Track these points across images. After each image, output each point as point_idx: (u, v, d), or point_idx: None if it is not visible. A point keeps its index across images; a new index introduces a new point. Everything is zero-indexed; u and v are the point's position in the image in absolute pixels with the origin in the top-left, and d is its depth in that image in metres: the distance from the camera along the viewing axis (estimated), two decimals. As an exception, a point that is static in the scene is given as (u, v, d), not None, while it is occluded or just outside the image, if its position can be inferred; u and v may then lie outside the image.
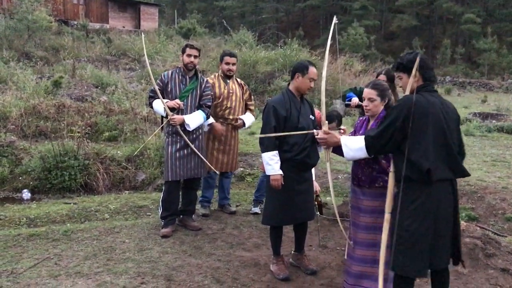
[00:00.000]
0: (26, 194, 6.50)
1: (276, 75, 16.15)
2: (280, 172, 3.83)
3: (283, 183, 3.84)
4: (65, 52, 20.21)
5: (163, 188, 4.99)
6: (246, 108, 5.44)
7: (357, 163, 3.54)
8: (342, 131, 3.84)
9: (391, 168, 3.07)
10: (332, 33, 3.58)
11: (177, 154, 4.81)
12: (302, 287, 3.88)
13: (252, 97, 5.54)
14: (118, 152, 7.55)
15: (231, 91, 5.29)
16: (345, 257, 3.84)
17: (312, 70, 3.96)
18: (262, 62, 16.40)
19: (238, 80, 5.50)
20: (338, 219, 3.68)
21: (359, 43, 28.84)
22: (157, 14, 33.83)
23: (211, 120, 5.16)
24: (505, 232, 5.26)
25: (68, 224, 5.23)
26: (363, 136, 3.15)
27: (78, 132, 7.19)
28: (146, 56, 4.88)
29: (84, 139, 7.40)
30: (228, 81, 5.33)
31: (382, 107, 3.46)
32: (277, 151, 3.84)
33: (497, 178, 6.79)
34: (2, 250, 4.41)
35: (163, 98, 4.80)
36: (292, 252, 4.35)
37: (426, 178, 2.86)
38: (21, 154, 7.27)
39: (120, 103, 10.73)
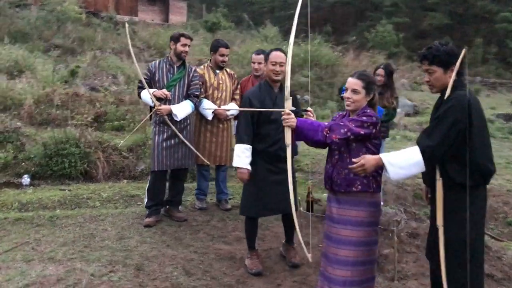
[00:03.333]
0: (25, 180, 6.58)
1: (296, 70, 15.94)
2: (248, 167, 3.79)
3: (248, 177, 3.82)
4: (91, 43, 20.51)
5: (149, 177, 4.95)
6: (232, 99, 5.33)
7: (330, 162, 3.15)
8: (309, 113, 3.38)
9: (438, 176, 2.71)
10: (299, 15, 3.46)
11: (164, 144, 4.76)
12: (274, 283, 3.78)
13: (239, 86, 5.41)
14: (121, 141, 7.56)
15: (220, 82, 5.21)
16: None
17: (273, 54, 3.84)
18: (282, 57, 16.20)
19: (228, 70, 5.41)
20: (296, 223, 3.18)
21: (387, 40, 28.23)
22: (186, 8, 33.90)
23: (212, 105, 5.07)
24: (504, 237, 5.01)
25: (58, 211, 5.26)
26: (417, 148, 2.67)
27: (82, 121, 7.23)
28: (131, 48, 4.85)
29: (87, 127, 7.44)
30: (218, 72, 5.24)
31: (365, 103, 3.06)
32: (250, 146, 3.77)
33: (505, 181, 6.50)
34: (-15, 232, 4.46)
35: (151, 88, 4.77)
36: (283, 242, 4.32)
37: (485, 182, 2.68)
38: (26, 140, 7.36)
39: (134, 94, 10.77)
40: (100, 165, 6.94)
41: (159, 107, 4.64)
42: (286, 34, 31.79)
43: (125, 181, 6.89)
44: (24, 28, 21.52)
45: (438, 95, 2.90)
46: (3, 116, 7.83)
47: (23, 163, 6.94)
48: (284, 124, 2.95)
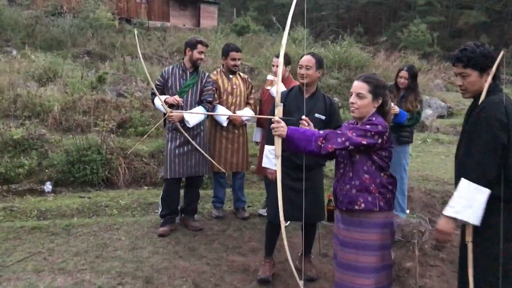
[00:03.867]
0: (47, 187, 6.62)
1: (325, 72, 15.67)
2: (271, 166, 3.80)
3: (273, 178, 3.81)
4: (122, 49, 20.81)
5: (163, 186, 4.85)
6: (247, 103, 5.18)
7: (336, 176, 2.90)
8: (304, 122, 3.09)
9: None
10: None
11: (177, 151, 4.65)
12: (286, 298, 3.60)
13: (253, 91, 5.27)
14: (142, 147, 7.53)
15: (234, 87, 5.07)
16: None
17: (303, 58, 3.78)
18: (311, 59, 15.96)
19: (241, 74, 5.26)
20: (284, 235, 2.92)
21: (420, 40, 27.53)
22: (216, 12, 34.09)
23: (226, 111, 4.95)
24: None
25: (75, 219, 5.22)
26: (465, 182, 2.38)
27: (104, 127, 7.24)
28: (140, 53, 4.74)
29: (110, 133, 7.44)
30: (231, 76, 5.11)
31: (373, 109, 2.75)
32: None
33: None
34: (1, 242, 4.45)
35: (164, 94, 4.69)
36: (299, 254, 4.15)
37: None
38: (50, 147, 7.42)
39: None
40: (121, 172, 6.90)
41: (171, 114, 4.54)
42: (317, 35, 31.52)
43: (146, 187, 6.84)
44: (59, 36, 22.04)
45: None
46: (27, 123, 7.91)
47: (46, 170, 6.98)
48: (273, 133, 2.67)
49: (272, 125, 2.64)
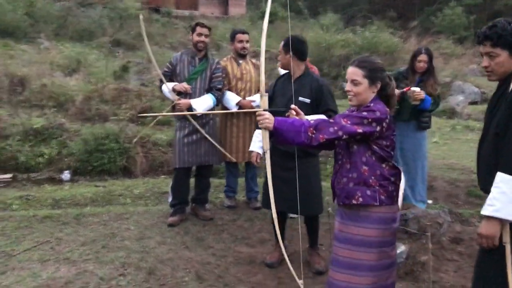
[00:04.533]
0: (65, 175, 6.67)
1: (352, 58, 15.29)
2: (256, 149, 3.83)
3: (256, 161, 3.89)
4: (150, 39, 20.89)
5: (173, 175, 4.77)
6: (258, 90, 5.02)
7: (334, 169, 2.69)
8: (292, 112, 2.85)
9: None
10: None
11: (185, 140, 4.55)
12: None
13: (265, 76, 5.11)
14: (163, 136, 7.50)
15: (244, 72, 4.91)
16: None
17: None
18: (338, 45, 15.60)
19: (253, 60, 5.10)
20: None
21: (456, 24, 26.52)
22: (245, 0, 33.81)
23: (237, 98, 4.82)
24: None
25: (88, 208, 5.21)
26: (502, 175, 2.12)
27: (122, 116, 7.23)
28: (146, 40, 4.63)
29: (129, 122, 7.42)
30: (240, 61, 4.95)
31: (372, 95, 2.52)
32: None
33: None
34: (13, 230, 4.46)
35: (172, 81, 4.58)
36: (307, 246, 4.02)
37: None
38: (70, 136, 7.46)
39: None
40: (139, 161, 6.88)
41: (178, 102, 4.43)
42: (348, 21, 30.82)
43: (163, 176, 6.79)
44: (89, 26, 22.30)
45: None
46: (48, 113, 7.98)
47: (65, 159, 7.04)
48: (259, 126, 2.49)
49: (257, 118, 2.46)
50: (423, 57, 4.76)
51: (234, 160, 4.86)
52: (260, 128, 3.53)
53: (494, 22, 2.27)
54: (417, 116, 4.84)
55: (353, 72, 2.52)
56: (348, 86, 2.54)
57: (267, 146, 2.57)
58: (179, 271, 3.67)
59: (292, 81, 3.59)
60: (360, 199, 2.46)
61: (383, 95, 2.56)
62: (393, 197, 2.49)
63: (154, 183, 6.05)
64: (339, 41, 15.83)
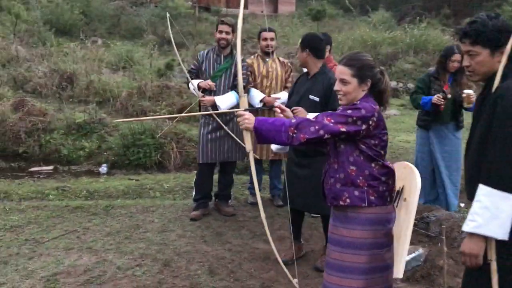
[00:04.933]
0: (103, 169, 6.92)
1: (400, 56, 14.93)
2: (279, 151, 3.77)
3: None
4: (199, 37, 21.28)
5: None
6: (284, 87, 5.01)
7: (324, 169, 2.58)
8: (277, 109, 2.81)
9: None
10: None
11: (209, 136, 4.63)
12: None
13: (292, 75, 5.09)
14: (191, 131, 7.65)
15: (270, 70, 4.92)
16: None
17: None
18: (385, 42, 15.27)
19: (280, 58, 5.10)
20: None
21: (515, 20, 25.32)
22: (295, -2, 33.74)
23: (261, 95, 4.85)
24: None
25: (118, 200, 5.40)
26: (483, 187, 1.98)
27: (157, 112, 7.43)
28: (172, 37, 4.72)
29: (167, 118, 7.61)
30: (267, 59, 4.96)
31: (362, 93, 2.42)
32: None
33: None
34: (45, 219, 4.71)
35: (199, 78, 4.68)
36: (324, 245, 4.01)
37: None
38: (110, 131, 7.75)
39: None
40: (173, 156, 7.04)
41: (202, 98, 4.51)
42: (401, 19, 30.07)
43: (195, 171, 6.90)
44: (141, 25, 22.96)
45: None
46: (90, 108, 8.30)
47: (105, 153, 7.31)
48: (240, 127, 2.44)
49: (237, 119, 2.44)
50: (457, 56, 4.56)
51: (257, 157, 4.88)
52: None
53: (475, 18, 2.12)
54: (457, 116, 4.71)
55: (341, 71, 2.43)
56: (336, 85, 2.46)
57: (250, 146, 2.54)
58: (194, 264, 3.75)
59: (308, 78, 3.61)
60: (348, 200, 2.38)
61: (375, 92, 2.47)
62: (384, 198, 2.40)
63: (184, 177, 6.18)
64: (386, 39, 15.49)
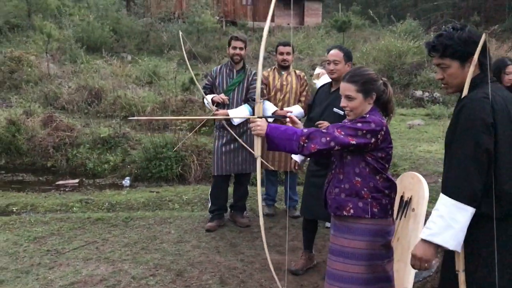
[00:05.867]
0: (126, 181, 7.11)
1: (425, 65, 14.77)
2: (294, 157, 3.85)
3: (296, 168, 3.95)
4: (224, 51, 21.57)
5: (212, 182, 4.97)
6: (298, 100, 5.06)
7: (327, 178, 2.64)
8: (287, 119, 2.85)
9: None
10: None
11: (223, 149, 4.73)
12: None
13: (307, 88, 5.12)
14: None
15: (284, 83, 4.99)
16: None
17: (330, 52, 3.73)
18: (410, 52, 15.14)
19: (297, 71, 5.15)
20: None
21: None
22: (321, 9, 33.82)
23: (273, 108, 4.93)
24: None
25: (138, 212, 5.55)
26: (443, 197, 2.01)
27: (178, 125, 7.60)
28: (184, 52, 4.88)
29: (188, 132, 7.77)
30: (283, 72, 5.04)
31: (369, 106, 2.49)
32: None
33: None
34: (67, 230, 4.88)
35: (213, 93, 4.80)
36: None
37: None
38: (133, 144, 7.96)
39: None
40: (193, 168, 7.17)
41: (216, 112, 4.63)
42: (429, 27, 29.74)
43: (215, 184, 7.02)
44: (169, 40, 23.45)
45: None
46: (114, 123, 8.55)
47: (128, 166, 7.51)
48: (252, 133, 2.48)
49: (250, 124, 2.50)
50: (511, 68, 4.47)
51: (271, 168, 4.95)
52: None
53: (441, 31, 2.15)
54: None
55: (345, 87, 2.50)
56: (343, 102, 2.52)
57: (259, 152, 2.60)
58: (206, 274, 3.83)
59: (332, 90, 3.74)
60: (351, 211, 2.43)
61: (380, 103, 2.54)
62: (386, 210, 2.44)
63: (203, 189, 6.30)
64: (412, 48, 15.35)
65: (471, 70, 2.03)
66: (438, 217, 2.00)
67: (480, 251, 2.00)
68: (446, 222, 1.97)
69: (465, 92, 2.05)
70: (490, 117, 1.95)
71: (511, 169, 1.99)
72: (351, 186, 2.45)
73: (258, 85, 2.61)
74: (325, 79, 4.56)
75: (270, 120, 4.80)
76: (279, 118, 4.59)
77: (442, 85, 2.22)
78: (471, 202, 1.95)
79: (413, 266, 2.12)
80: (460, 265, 2.03)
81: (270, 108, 4.88)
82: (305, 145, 2.36)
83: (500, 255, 1.96)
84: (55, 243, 4.53)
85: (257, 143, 2.57)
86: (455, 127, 2.04)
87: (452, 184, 1.99)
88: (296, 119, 2.67)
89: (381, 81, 2.53)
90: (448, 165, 2.06)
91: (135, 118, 4.26)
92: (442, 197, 2.01)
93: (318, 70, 4.84)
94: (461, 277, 2.03)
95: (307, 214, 3.83)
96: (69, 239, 4.65)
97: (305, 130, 2.41)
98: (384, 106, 2.56)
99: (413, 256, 2.09)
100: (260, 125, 2.43)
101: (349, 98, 2.48)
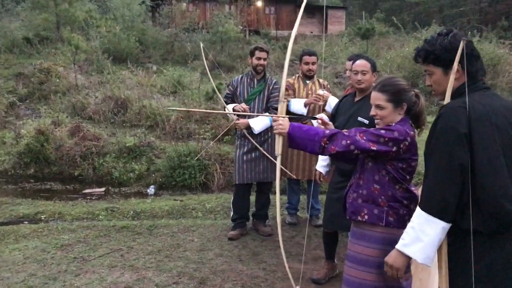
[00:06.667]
0: (151, 190, 7.22)
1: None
2: (319, 169, 3.98)
3: (321, 180, 4.06)
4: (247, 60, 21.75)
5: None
6: (323, 110, 5.05)
7: (349, 182, 2.67)
8: (319, 121, 2.97)
9: None
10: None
11: (244, 157, 4.77)
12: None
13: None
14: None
15: (309, 92, 5.00)
16: None
17: (356, 62, 3.70)
18: (435, 59, 14.97)
19: (320, 80, 5.15)
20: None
21: None
22: (344, 17, 33.76)
23: (301, 100, 4.90)
24: None
25: (162, 220, 5.62)
26: (418, 210, 2.00)
27: (201, 135, 7.69)
28: (205, 63, 4.95)
29: (209, 140, 7.85)
30: (307, 82, 5.04)
31: (399, 116, 2.49)
32: None
33: None
34: (93, 238, 4.98)
35: (234, 102, 4.85)
36: None
37: (505, 229, 1.88)
38: (158, 153, 8.08)
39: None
40: (216, 176, 7.23)
41: (237, 121, 4.68)
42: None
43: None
44: (193, 50, 23.73)
45: None
46: (140, 132, 8.69)
47: (153, 175, 7.63)
48: (274, 131, 2.51)
49: (273, 123, 2.52)
50: None
51: (293, 176, 4.96)
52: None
53: (428, 38, 2.13)
54: None
55: (376, 97, 2.52)
56: (372, 111, 2.54)
57: (279, 150, 2.61)
58: (228, 283, 3.86)
59: (356, 99, 3.74)
60: (366, 217, 2.45)
61: (411, 115, 2.54)
62: (404, 221, 2.41)
63: (226, 198, 6.35)
64: (436, 55, 15.16)
65: (452, 78, 1.99)
66: (410, 228, 2.03)
67: (470, 267, 1.90)
68: (416, 234, 1.98)
69: (446, 100, 2.02)
70: (464, 127, 1.88)
71: (493, 179, 1.86)
72: (368, 193, 2.47)
73: (283, 83, 2.64)
74: (333, 101, 4.53)
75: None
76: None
77: (432, 91, 2.20)
78: (441, 216, 1.91)
79: (386, 272, 2.18)
80: (443, 282, 1.97)
81: (298, 100, 4.83)
82: (326, 146, 2.38)
83: (492, 272, 1.89)
84: (81, 251, 4.63)
85: (279, 141, 2.59)
86: (431, 137, 2.01)
87: (424, 196, 1.97)
88: (327, 120, 2.68)
89: (413, 92, 2.53)
90: (424, 176, 2.04)
91: (175, 108, 4.43)
92: (417, 209, 2.01)
93: (321, 91, 4.79)
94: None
95: (329, 226, 3.80)
96: (94, 246, 4.74)
97: (327, 131, 2.43)
98: (415, 118, 2.56)
99: (386, 263, 2.16)
100: (283, 124, 2.45)
101: (379, 107, 2.50)
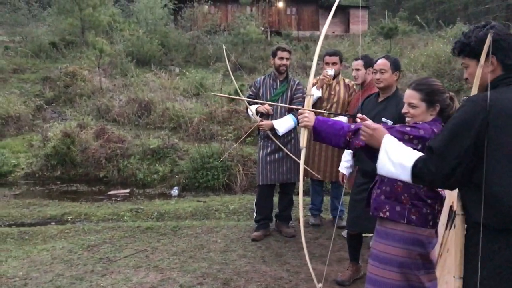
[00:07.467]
0: (174, 191, 7.27)
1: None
2: (341, 169, 4.13)
3: (344, 181, 4.16)
4: (267, 60, 21.72)
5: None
6: (346, 111, 5.00)
7: (375, 180, 2.67)
8: (357, 120, 2.91)
9: (458, 210, 1.97)
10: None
11: (268, 158, 4.77)
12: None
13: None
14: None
15: (332, 93, 4.96)
16: None
17: (378, 61, 3.65)
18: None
19: (346, 80, 5.10)
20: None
21: None
22: (367, 17, 33.47)
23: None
24: None
25: (186, 221, 5.67)
26: (418, 155, 2.02)
27: (224, 136, 7.72)
28: (228, 65, 4.98)
29: (234, 142, 7.88)
30: (331, 82, 5.00)
31: (430, 117, 2.46)
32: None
33: None
34: (118, 239, 5.05)
35: (257, 103, 4.86)
36: None
37: None
38: (181, 155, 8.15)
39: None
40: (239, 178, 7.26)
41: (261, 123, 4.68)
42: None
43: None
44: (215, 52, 23.84)
45: None
46: (163, 134, 8.78)
47: (176, 176, 7.69)
48: (300, 124, 2.50)
49: (299, 116, 2.52)
50: None
51: (317, 176, 4.93)
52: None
53: (467, 29, 2.10)
54: None
55: (410, 95, 2.49)
56: (404, 108, 2.51)
57: (304, 143, 2.59)
58: (252, 283, 3.87)
59: (380, 100, 3.67)
60: (387, 213, 2.45)
61: (444, 116, 2.49)
62: (427, 220, 2.39)
63: (249, 199, 6.36)
64: (462, 53, 14.91)
65: (479, 71, 1.93)
66: (395, 160, 2.09)
67: (484, 263, 1.85)
68: (395, 160, 2.08)
69: (473, 92, 1.98)
70: (478, 120, 1.84)
71: (506, 175, 1.82)
72: (391, 189, 2.47)
73: (311, 77, 2.64)
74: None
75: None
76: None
77: (469, 85, 2.13)
78: (417, 181, 2.01)
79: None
80: (459, 270, 1.95)
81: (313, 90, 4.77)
82: (350, 140, 2.37)
83: (505, 269, 1.83)
84: (107, 251, 4.69)
85: (303, 134, 2.56)
86: (452, 118, 1.99)
87: (423, 158, 1.99)
88: (366, 118, 2.64)
89: (447, 95, 2.50)
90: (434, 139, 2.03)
91: (217, 94, 4.53)
92: (412, 155, 2.04)
93: (330, 71, 4.74)
94: (456, 283, 1.97)
95: (352, 227, 3.79)
96: (120, 247, 4.81)
97: (353, 126, 2.42)
98: (447, 120, 2.51)
99: (372, 130, 2.22)
100: (308, 117, 2.44)
101: (411, 105, 2.47)
